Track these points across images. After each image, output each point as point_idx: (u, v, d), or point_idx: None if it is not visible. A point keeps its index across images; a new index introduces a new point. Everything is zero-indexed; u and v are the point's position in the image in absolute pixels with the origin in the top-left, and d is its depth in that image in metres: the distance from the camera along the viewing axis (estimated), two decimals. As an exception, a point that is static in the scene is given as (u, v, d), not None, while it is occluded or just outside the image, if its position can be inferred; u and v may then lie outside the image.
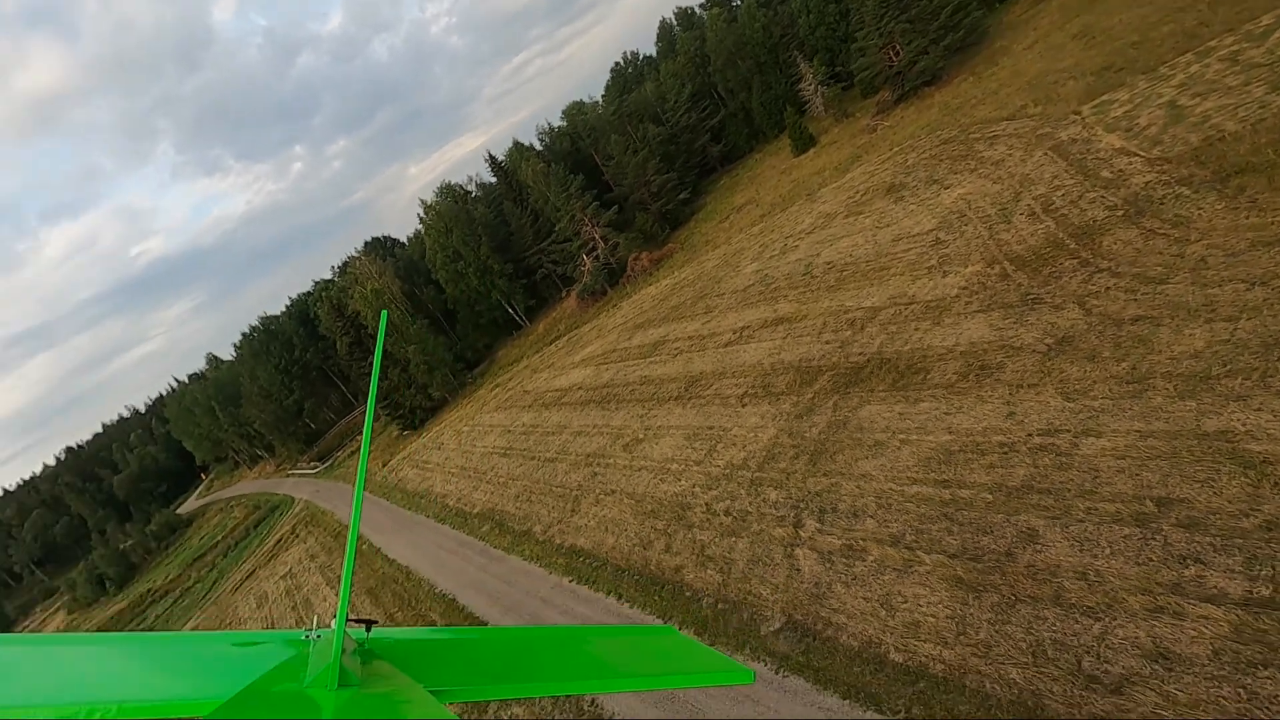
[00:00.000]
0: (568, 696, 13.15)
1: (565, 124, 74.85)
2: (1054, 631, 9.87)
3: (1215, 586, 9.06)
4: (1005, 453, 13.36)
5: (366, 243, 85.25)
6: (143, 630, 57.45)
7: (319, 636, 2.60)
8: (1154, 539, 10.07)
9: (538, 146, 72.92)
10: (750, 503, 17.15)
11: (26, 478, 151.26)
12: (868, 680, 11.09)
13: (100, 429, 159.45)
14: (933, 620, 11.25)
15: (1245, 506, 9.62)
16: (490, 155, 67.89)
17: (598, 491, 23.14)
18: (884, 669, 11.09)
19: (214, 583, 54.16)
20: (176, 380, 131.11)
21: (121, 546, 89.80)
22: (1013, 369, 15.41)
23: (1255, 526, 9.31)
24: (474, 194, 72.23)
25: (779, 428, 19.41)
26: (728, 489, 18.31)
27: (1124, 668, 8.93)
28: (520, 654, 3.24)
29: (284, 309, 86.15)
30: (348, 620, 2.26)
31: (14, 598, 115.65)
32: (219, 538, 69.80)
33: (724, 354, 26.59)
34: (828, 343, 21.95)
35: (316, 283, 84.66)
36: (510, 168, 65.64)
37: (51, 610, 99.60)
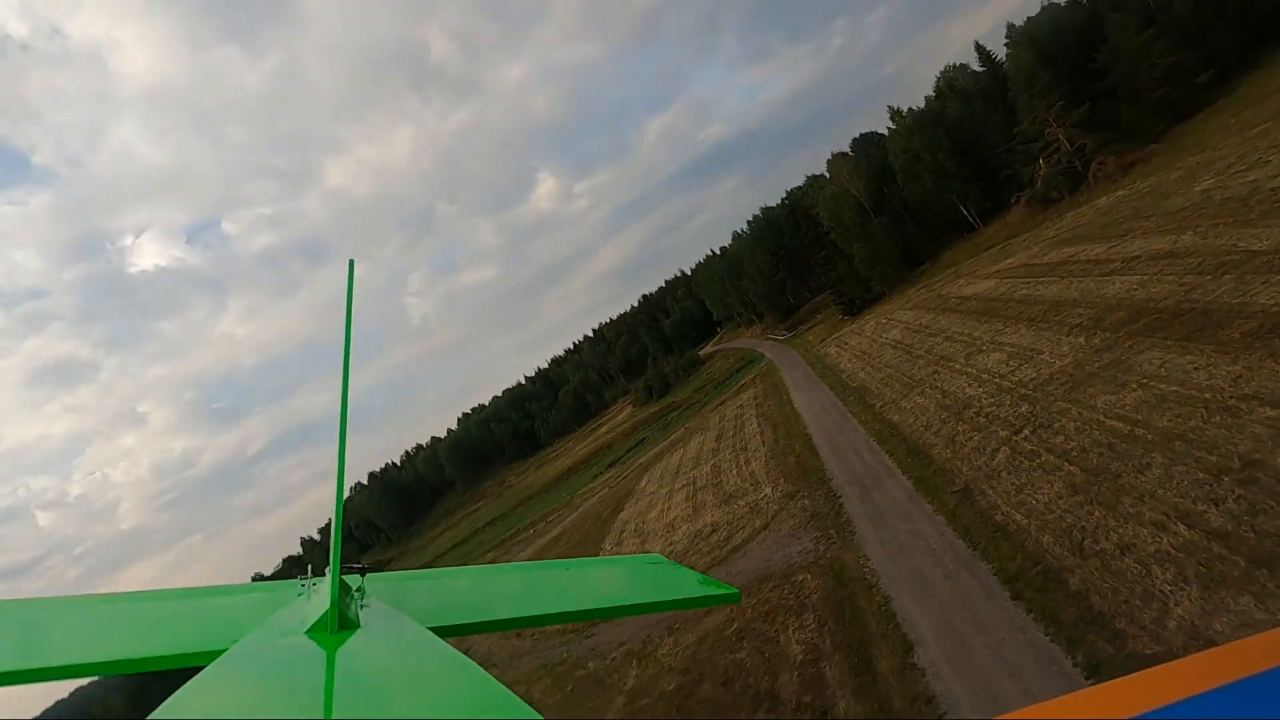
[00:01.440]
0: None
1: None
2: (1087, 522, 13.68)
3: (1205, 519, 11.76)
4: (1197, 407, 14.99)
5: (854, 140, 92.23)
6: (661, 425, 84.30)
7: (314, 585, 2.76)
8: (1210, 485, 12.46)
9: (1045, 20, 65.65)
10: (1006, 411, 21.14)
11: (622, 313, 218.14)
12: (972, 523, 16.42)
13: (663, 283, 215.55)
14: (1033, 503, 15.56)
15: (1293, 475, 11.38)
16: (978, 44, 65.63)
17: (926, 385, 28.55)
18: (985, 521, 16.19)
19: (705, 404, 76.31)
20: (710, 251, 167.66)
21: (665, 370, 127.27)
22: (1293, 337, 15.29)
23: None
24: (960, 86, 70.88)
25: (1075, 358, 21.64)
26: (1001, 399, 22.25)
27: (1100, 548, 12.78)
28: (515, 588, 3.51)
29: (780, 200, 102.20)
30: (342, 567, 2.29)
31: (608, 389, 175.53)
32: (717, 376, 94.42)
33: (1095, 283, 26.89)
34: (1181, 285, 21.59)
35: (808, 178, 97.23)
36: (1012, 55, 62.05)
37: (624, 405, 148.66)
